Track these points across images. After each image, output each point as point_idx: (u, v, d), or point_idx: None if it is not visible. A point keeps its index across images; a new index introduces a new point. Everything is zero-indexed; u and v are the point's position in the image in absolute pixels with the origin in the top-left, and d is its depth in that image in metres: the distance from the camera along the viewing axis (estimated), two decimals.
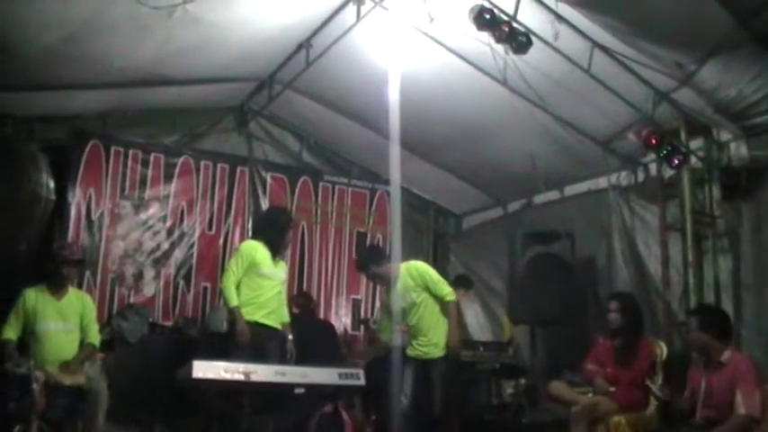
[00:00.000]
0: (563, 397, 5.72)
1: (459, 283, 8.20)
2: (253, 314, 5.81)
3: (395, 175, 7.12)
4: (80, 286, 6.41)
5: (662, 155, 5.98)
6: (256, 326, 5.80)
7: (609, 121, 6.43)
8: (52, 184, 6.44)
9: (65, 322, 5.59)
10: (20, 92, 6.18)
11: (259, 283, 5.86)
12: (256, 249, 5.95)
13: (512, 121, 6.57)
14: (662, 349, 5.71)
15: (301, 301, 7.56)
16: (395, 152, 6.31)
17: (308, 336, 7.03)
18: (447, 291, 5.99)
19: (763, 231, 5.89)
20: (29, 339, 5.43)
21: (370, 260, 6.36)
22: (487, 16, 5.09)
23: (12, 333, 5.37)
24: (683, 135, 6.16)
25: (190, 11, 5.25)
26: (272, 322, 5.91)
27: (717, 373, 4.60)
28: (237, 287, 5.84)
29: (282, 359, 5.83)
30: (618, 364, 5.65)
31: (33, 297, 5.51)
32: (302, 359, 6.06)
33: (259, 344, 5.74)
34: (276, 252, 6.01)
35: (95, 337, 5.78)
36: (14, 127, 6.53)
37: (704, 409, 4.62)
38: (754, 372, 4.49)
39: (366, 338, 7.98)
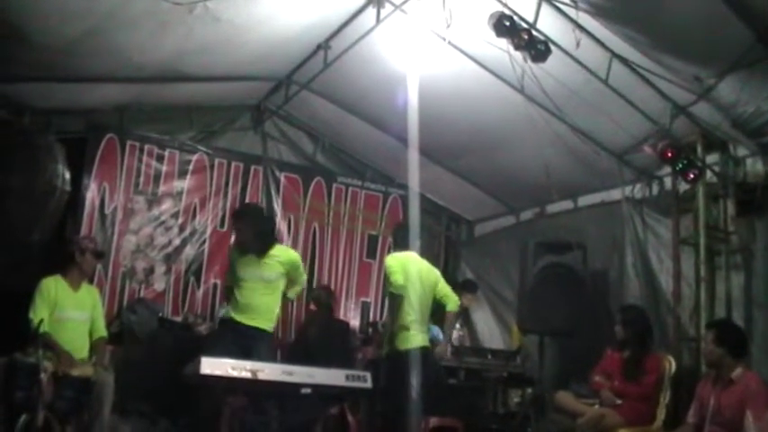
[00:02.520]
0: (569, 408, 5.71)
1: (465, 287, 8.22)
2: (237, 316, 5.73)
3: (413, 179, 7.11)
4: (91, 280, 6.44)
5: (677, 168, 5.96)
6: (240, 326, 5.71)
7: (625, 133, 6.39)
8: (68, 176, 6.48)
9: (81, 312, 5.66)
10: (39, 83, 6.21)
11: (238, 284, 5.77)
12: (232, 251, 6.06)
13: (527, 129, 6.55)
14: (671, 364, 5.68)
15: (321, 295, 7.61)
16: (413, 157, 6.29)
17: (326, 336, 7.06)
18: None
19: None
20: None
21: (401, 235, 6.35)
22: (507, 23, 5.07)
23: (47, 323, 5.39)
24: (699, 149, 6.13)
25: (210, 8, 5.27)
26: (260, 324, 5.73)
27: (726, 390, 4.57)
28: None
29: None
30: (625, 377, 5.63)
31: (53, 286, 5.56)
32: (318, 359, 6.08)
33: (245, 344, 5.63)
34: (244, 251, 5.84)
35: (104, 330, 5.89)
36: (32, 118, 6.56)
37: (712, 426, 4.60)
38: (764, 392, 4.45)
39: (375, 341, 7.99)
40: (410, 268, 6.04)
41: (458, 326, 7.81)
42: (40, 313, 5.35)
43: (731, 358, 4.62)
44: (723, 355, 4.63)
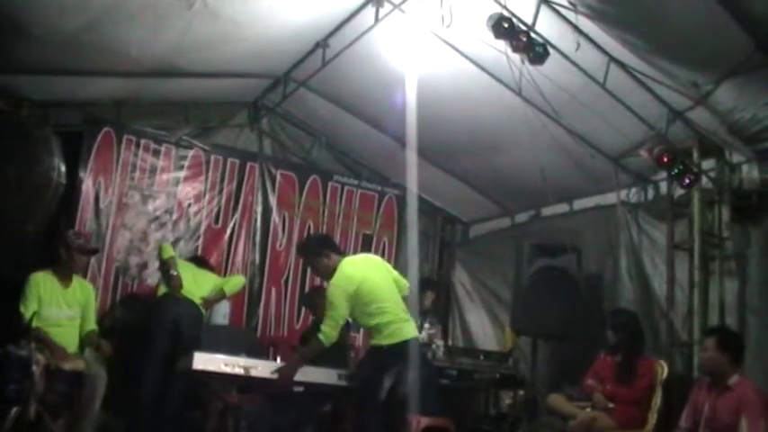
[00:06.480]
0: (561, 410, 5.70)
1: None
2: None
3: (411, 179, 7.10)
4: (85, 275, 6.43)
5: (673, 174, 5.95)
6: None
7: (621, 137, 6.41)
8: (63, 169, 6.48)
9: (69, 309, 5.64)
10: (37, 76, 6.20)
11: None
12: None
13: (524, 131, 6.55)
14: (663, 368, 5.68)
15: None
16: (411, 157, 6.25)
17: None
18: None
19: None
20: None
21: (317, 246, 5.78)
22: (506, 25, 5.07)
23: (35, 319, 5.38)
24: (695, 155, 6.15)
25: (209, 4, 5.27)
26: None
27: (723, 396, 4.56)
28: None
29: None
30: (618, 381, 5.63)
31: (41, 281, 5.55)
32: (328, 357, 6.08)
33: None
34: None
35: (94, 324, 5.91)
36: (30, 110, 6.54)
37: None
38: (760, 400, 4.44)
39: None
40: None
41: (426, 325, 7.66)
42: (31, 307, 5.36)
43: (731, 365, 4.62)
44: (724, 363, 4.62)
